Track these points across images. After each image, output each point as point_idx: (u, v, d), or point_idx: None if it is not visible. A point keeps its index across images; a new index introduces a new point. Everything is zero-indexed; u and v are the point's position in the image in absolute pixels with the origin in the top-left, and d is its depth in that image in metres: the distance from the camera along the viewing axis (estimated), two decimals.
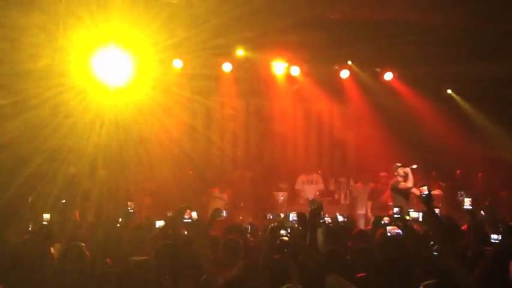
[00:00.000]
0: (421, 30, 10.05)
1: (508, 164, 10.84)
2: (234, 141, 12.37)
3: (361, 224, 10.44)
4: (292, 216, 5.42)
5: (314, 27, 10.50)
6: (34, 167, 8.60)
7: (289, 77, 11.86)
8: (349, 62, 11.64)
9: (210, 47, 10.68)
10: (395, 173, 8.97)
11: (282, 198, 10.02)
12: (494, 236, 4.93)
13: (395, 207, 6.09)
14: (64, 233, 5.56)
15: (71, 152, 9.15)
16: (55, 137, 8.96)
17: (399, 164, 8.96)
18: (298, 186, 11.05)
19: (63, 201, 8.15)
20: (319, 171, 11.57)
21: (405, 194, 8.74)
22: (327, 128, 12.87)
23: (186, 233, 5.34)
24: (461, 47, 10.36)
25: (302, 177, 11.13)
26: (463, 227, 6.15)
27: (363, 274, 4.15)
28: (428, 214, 4.57)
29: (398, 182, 8.86)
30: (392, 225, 5.05)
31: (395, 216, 5.48)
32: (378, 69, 12.02)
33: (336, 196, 11.08)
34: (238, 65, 11.37)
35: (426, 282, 3.21)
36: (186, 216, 4.72)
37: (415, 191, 8.51)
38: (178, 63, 11.02)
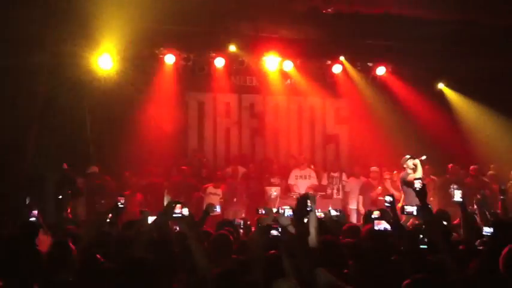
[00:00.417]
0: (413, 25, 10.07)
1: (500, 158, 10.89)
2: (227, 136, 12.32)
3: (354, 219, 10.47)
4: (288, 211, 5.26)
5: (307, 22, 10.49)
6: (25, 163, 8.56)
7: (282, 72, 11.84)
8: (342, 57, 11.63)
9: (202, 42, 10.64)
10: (405, 165, 8.67)
11: (275, 193, 9.98)
12: (486, 229, 4.93)
13: (407, 200, 5.82)
14: (54, 229, 5.52)
15: (62, 148, 9.10)
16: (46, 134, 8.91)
17: (408, 156, 8.67)
18: (291, 180, 11.03)
19: (60, 197, 8.16)
20: (312, 166, 11.58)
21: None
22: (319, 123, 12.85)
23: (177, 228, 5.30)
24: (453, 41, 10.38)
25: (295, 172, 11.11)
26: (455, 221, 6.18)
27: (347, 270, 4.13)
28: (422, 208, 4.57)
29: (407, 174, 8.57)
30: (381, 220, 4.99)
31: (386, 205, 5.37)
32: (370, 64, 12.02)
33: (329, 191, 11.07)
34: (230, 59, 11.33)
35: (413, 276, 3.19)
36: (177, 211, 4.67)
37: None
38: (170, 59, 10.95)
